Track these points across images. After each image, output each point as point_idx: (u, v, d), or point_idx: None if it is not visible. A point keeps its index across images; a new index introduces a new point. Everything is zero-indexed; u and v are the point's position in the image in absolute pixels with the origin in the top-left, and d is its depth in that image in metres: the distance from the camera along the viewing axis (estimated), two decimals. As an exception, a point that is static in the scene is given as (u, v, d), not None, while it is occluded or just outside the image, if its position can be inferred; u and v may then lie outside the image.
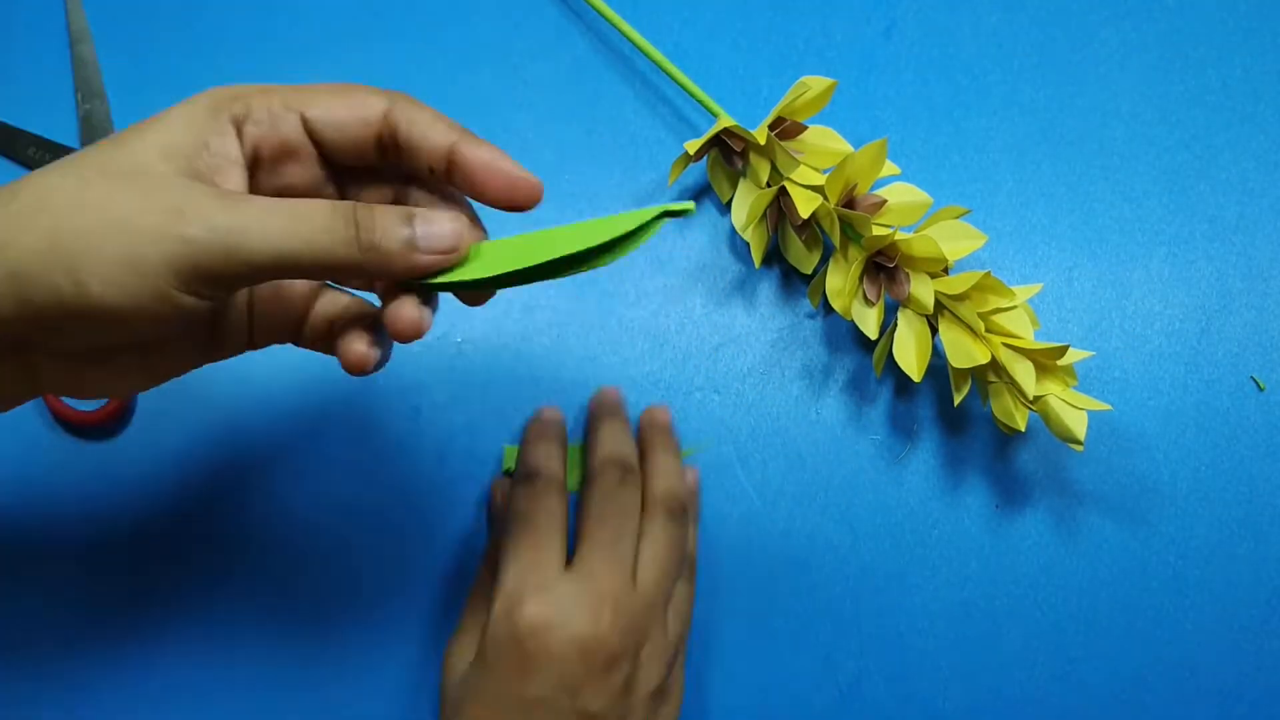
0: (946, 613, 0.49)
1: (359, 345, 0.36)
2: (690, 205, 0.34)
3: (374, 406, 0.50)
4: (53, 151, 0.52)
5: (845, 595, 0.49)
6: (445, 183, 0.36)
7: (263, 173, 0.36)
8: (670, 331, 0.52)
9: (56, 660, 0.47)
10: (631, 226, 0.35)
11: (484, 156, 0.35)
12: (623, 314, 0.52)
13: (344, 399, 0.50)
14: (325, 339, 0.38)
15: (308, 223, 0.32)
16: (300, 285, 0.37)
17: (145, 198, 0.31)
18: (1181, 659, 0.49)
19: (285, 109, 0.35)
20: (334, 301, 0.38)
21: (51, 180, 0.32)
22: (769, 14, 0.56)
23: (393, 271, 0.34)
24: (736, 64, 0.55)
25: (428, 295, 0.36)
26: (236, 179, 0.34)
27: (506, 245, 0.36)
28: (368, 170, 0.37)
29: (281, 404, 0.50)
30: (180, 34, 0.54)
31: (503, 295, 0.52)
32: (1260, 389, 0.52)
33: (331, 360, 0.51)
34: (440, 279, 0.35)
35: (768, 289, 0.52)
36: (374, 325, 0.37)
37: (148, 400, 0.50)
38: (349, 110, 0.35)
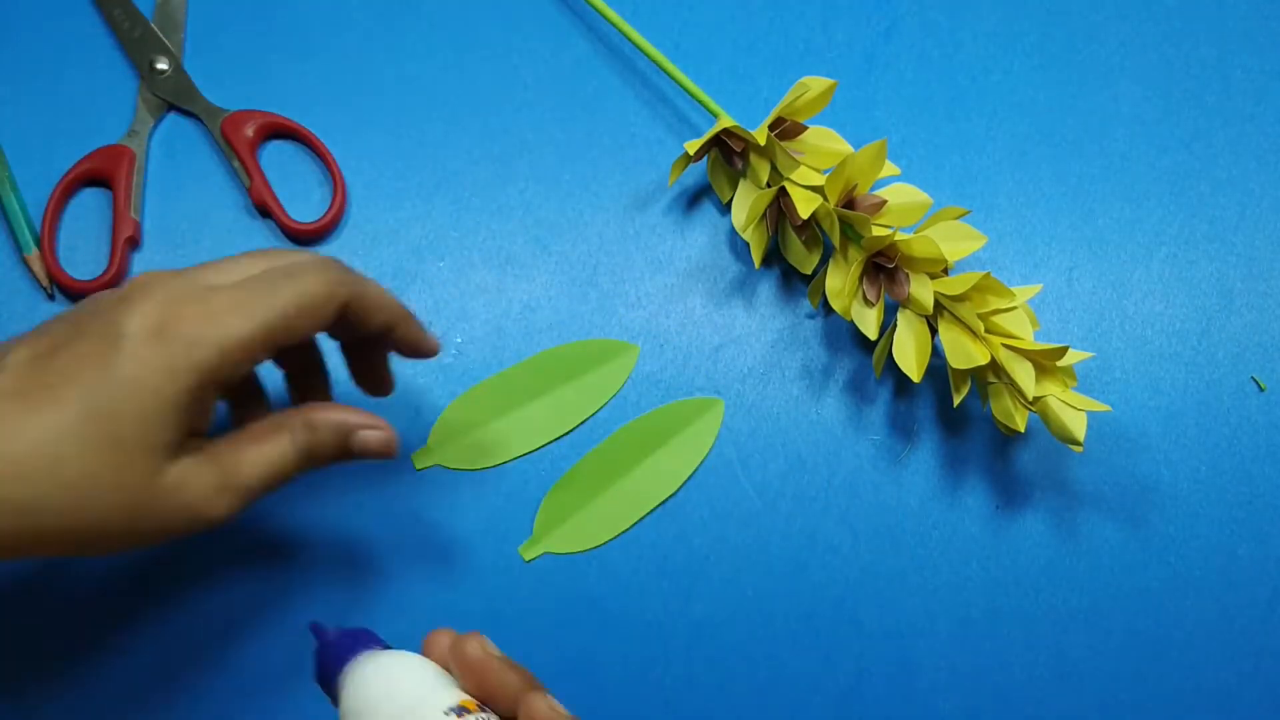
0: (946, 613, 0.49)
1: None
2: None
3: (373, 408, 0.50)
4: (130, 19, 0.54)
5: (845, 595, 0.49)
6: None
7: None
8: (670, 332, 0.52)
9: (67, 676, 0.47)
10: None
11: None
12: (623, 314, 0.52)
13: (341, 400, 0.50)
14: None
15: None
16: None
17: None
18: (1181, 659, 0.49)
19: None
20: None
21: None
22: (769, 14, 0.56)
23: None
24: (736, 64, 0.55)
25: None
26: None
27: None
28: None
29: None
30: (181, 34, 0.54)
31: (503, 293, 0.52)
32: (1261, 389, 0.52)
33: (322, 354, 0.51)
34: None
35: (768, 289, 0.52)
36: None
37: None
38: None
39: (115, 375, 0.34)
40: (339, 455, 0.41)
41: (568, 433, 0.50)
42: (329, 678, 0.35)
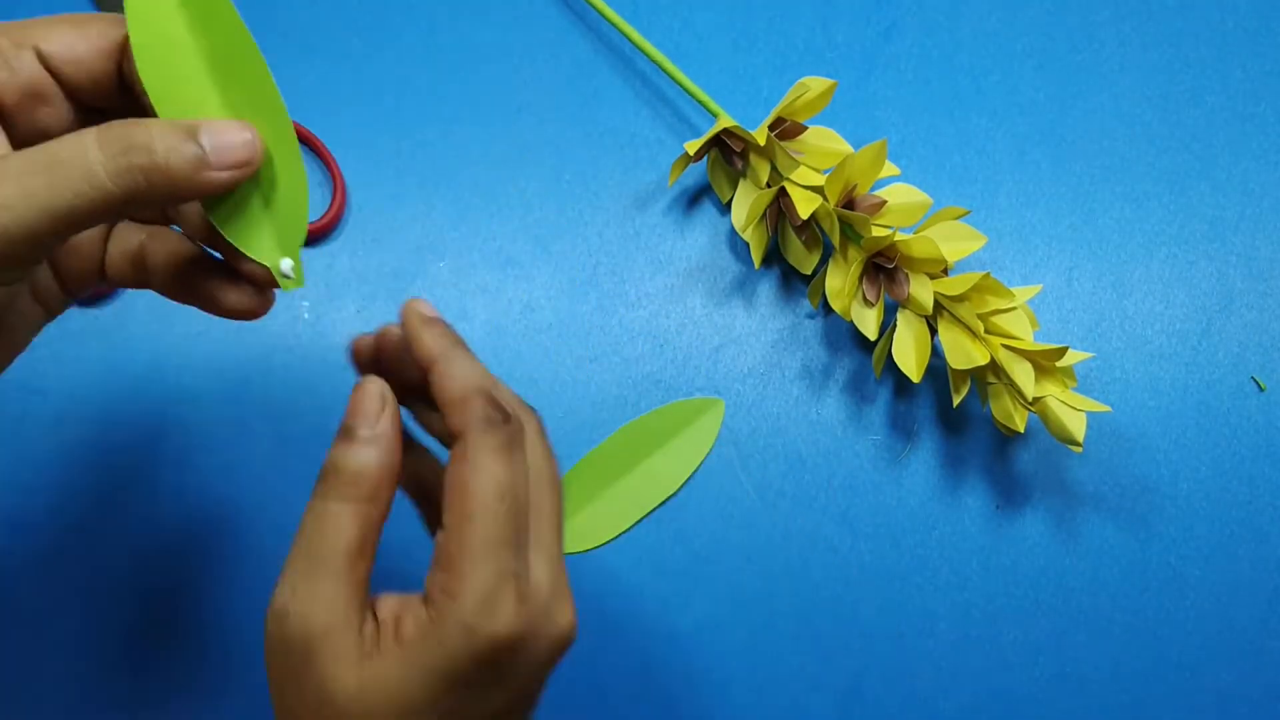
0: (946, 613, 0.49)
1: (238, 296, 0.35)
2: None
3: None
4: None
5: (845, 595, 0.49)
6: None
7: (15, 123, 0.32)
8: (670, 332, 0.52)
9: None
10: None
11: None
12: (623, 314, 0.52)
13: (336, 401, 0.50)
14: (135, 274, 0.36)
15: (71, 168, 0.28)
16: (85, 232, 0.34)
17: None
18: (1181, 659, 0.49)
19: (16, 47, 0.32)
20: (131, 235, 0.35)
21: None
22: (769, 14, 0.56)
23: (183, 194, 0.30)
24: (736, 64, 0.55)
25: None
26: None
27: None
28: (122, 113, 0.33)
29: (270, 410, 0.50)
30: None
31: (503, 293, 0.52)
32: (1261, 389, 0.52)
33: (323, 354, 0.51)
34: None
35: (768, 289, 0.53)
36: (233, 274, 0.35)
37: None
38: (86, 41, 0.32)
39: None
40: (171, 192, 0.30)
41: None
42: None
